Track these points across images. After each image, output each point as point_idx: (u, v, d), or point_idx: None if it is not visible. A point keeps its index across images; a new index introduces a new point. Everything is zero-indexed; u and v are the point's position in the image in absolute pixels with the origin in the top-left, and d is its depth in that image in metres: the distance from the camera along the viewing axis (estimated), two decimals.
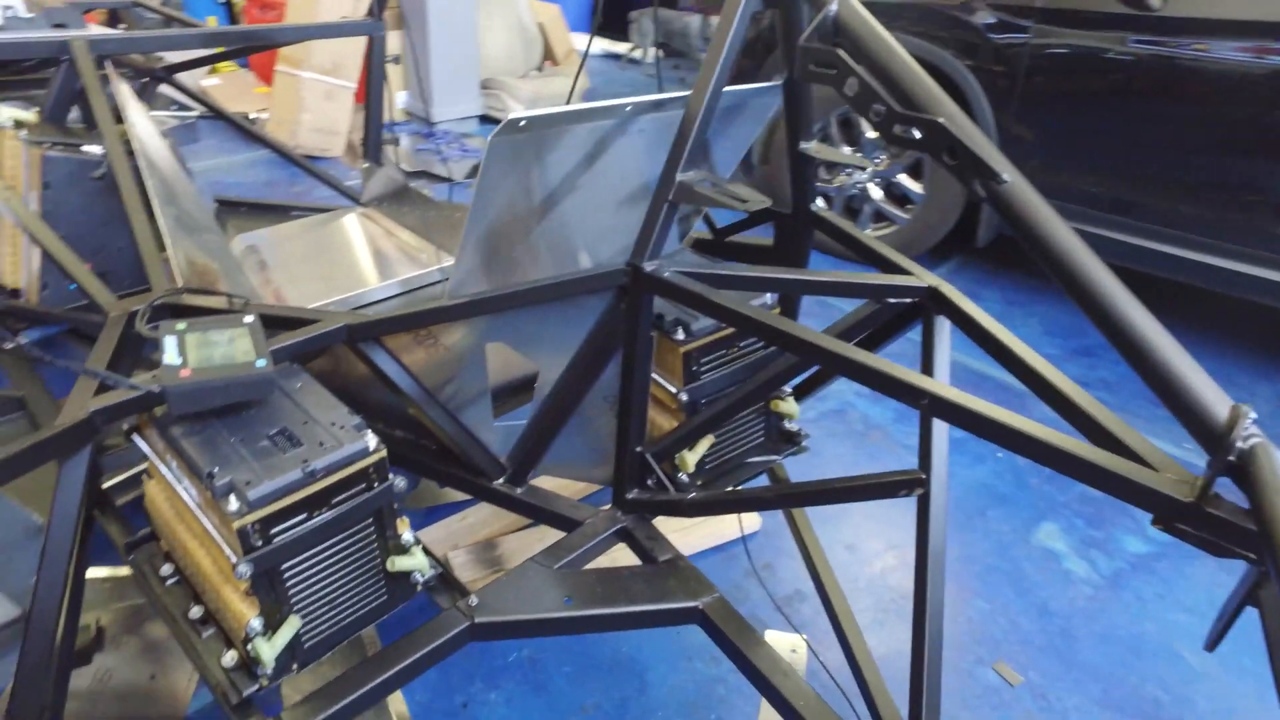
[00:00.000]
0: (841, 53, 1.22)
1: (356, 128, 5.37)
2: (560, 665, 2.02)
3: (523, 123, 1.27)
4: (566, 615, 1.41)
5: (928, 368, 1.35)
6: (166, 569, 1.55)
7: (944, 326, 1.38)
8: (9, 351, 2.22)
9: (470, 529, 2.27)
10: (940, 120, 1.11)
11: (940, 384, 1.11)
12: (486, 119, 6.32)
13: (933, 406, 1.08)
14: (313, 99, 5.27)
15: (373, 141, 2.99)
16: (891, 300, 1.41)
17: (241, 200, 3.16)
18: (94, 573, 2.23)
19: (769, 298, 1.65)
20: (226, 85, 6.21)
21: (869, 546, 2.38)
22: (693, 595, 1.45)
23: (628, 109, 1.43)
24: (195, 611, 1.45)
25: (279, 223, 2.94)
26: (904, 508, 2.51)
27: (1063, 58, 3.19)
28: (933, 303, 1.38)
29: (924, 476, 1.28)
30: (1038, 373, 1.18)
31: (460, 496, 2.43)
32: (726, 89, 1.49)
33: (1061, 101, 3.23)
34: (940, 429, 1.28)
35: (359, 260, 2.62)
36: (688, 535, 2.27)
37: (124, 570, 2.21)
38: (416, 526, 2.21)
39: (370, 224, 2.85)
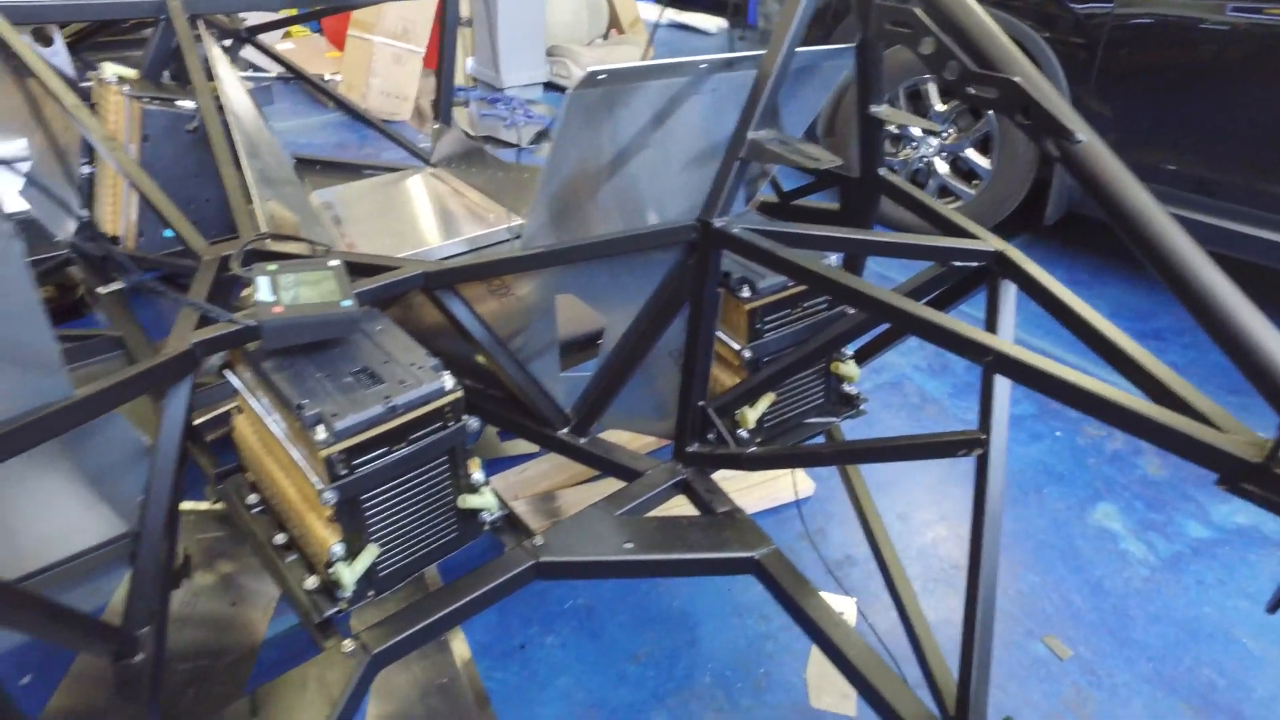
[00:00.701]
0: (918, 10, 1.23)
1: (424, 93, 5.47)
2: (614, 615, 2.09)
3: (602, 76, 1.31)
4: (627, 559, 1.46)
5: (991, 331, 1.35)
6: (252, 499, 1.65)
7: (1009, 291, 1.38)
8: (109, 295, 2.36)
9: (529, 482, 2.35)
10: (1016, 79, 1.11)
11: (1005, 342, 1.12)
12: (551, 86, 6.36)
13: (998, 363, 1.10)
14: (382, 63, 5.38)
15: (445, 103, 3.06)
16: (957, 263, 1.42)
17: (316, 158, 3.27)
18: (182, 506, 2.38)
19: (833, 259, 1.67)
20: (299, 49, 6.36)
21: (921, 516, 2.39)
22: (749, 546, 1.50)
23: (702, 66, 1.46)
24: (279, 538, 1.55)
25: (352, 180, 3.03)
26: (957, 480, 2.51)
27: (1148, 28, 3.08)
28: (999, 267, 1.38)
29: (984, 437, 1.30)
30: (1106, 338, 1.18)
31: (519, 450, 2.51)
32: (799, 50, 1.51)
33: (1144, 75, 3.13)
34: (1002, 390, 1.29)
35: (428, 218, 2.70)
36: (743, 497, 2.31)
37: (204, 505, 2.35)
38: None
39: (439, 184, 2.93)
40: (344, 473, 1.30)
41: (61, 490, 1.44)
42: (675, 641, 2.02)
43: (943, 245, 1.40)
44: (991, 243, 1.39)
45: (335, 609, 1.42)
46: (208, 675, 1.96)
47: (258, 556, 1.63)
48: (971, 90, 1.16)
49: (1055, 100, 1.10)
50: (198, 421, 2.00)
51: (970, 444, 1.30)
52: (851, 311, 1.66)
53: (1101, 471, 2.61)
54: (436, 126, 3.12)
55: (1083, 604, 2.14)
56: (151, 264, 2.27)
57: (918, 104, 3.91)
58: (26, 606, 1.12)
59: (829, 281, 1.29)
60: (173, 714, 1.68)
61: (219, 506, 2.35)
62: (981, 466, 1.31)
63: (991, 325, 1.37)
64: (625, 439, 2.31)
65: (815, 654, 1.98)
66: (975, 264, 1.40)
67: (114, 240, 2.29)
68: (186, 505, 2.38)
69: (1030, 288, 1.33)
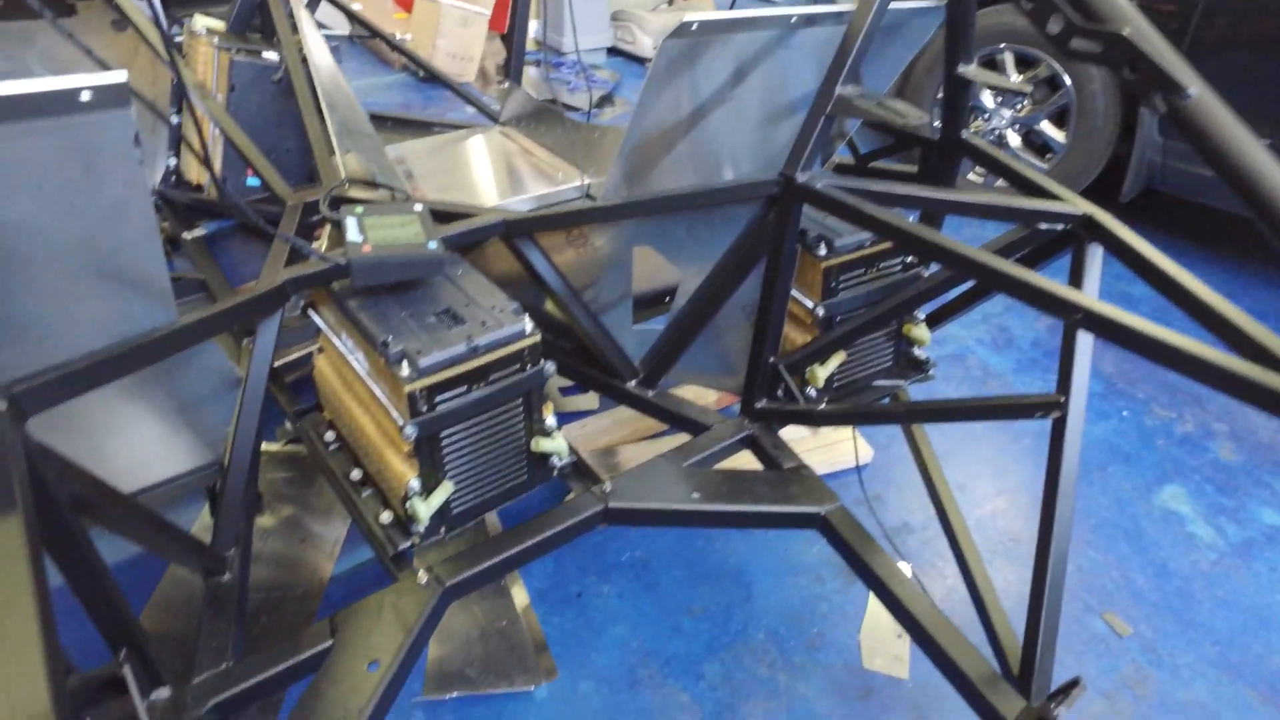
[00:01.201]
0: None
1: (489, 55, 5.49)
2: (670, 569, 2.12)
3: (694, 26, 1.31)
4: (694, 508, 1.49)
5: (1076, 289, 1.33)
6: (329, 436, 1.71)
7: (1096, 255, 1.36)
8: (193, 240, 2.44)
9: (590, 436, 2.38)
10: (1124, 31, 1.08)
11: (1094, 299, 1.11)
12: (615, 51, 6.33)
13: (1086, 320, 1.08)
14: (449, 25, 5.41)
15: (515, 62, 3.08)
16: (1043, 225, 1.39)
17: (386, 114, 3.32)
18: None
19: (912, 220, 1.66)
20: (367, 9, 6.41)
21: (981, 488, 2.37)
22: (816, 502, 1.51)
23: (791, 20, 1.45)
24: (355, 474, 1.61)
25: (422, 136, 3.08)
26: (1019, 454, 2.48)
27: None
28: (1086, 230, 1.35)
29: (1061, 399, 1.29)
30: (1201, 300, 1.15)
31: (579, 406, 2.55)
32: (891, 6, 1.48)
33: (1240, 46, 3.00)
34: (1084, 352, 1.27)
35: (498, 174, 2.73)
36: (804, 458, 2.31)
37: (275, 446, 2.44)
38: None
39: (508, 142, 2.95)
40: (425, 409, 1.34)
41: (159, 416, 1.51)
42: (730, 597, 2.04)
43: (1030, 207, 1.38)
44: (1080, 205, 1.36)
45: (409, 542, 1.47)
46: (279, 606, 2.05)
47: (334, 491, 1.69)
48: (1075, 45, 1.13)
49: (1166, 53, 1.07)
50: (278, 364, 2.07)
51: (1047, 406, 1.29)
52: (927, 273, 1.64)
53: (1170, 453, 2.55)
54: (505, 85, 3.14)
55: (1145, 584, 2.10)
56: (237, 211, 2.35)
57: (993, 73, 3.80)
58: (138, 517, 1.19)
59: (914, 237, 1.28)
60: (253, 633, 1.76)
61: (288, 448, 2.45)
62: (1058, 430, 1.30)
63: (1077, 287, 1.34)
64: (692, 396, 2.33)
65: (870, 617, 1.99)
66: (1062, 226, 1.38)
67: (198, 188, 2.36)
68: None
69: (1120, 251, 1.30)
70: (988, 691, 1.21)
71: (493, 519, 2.15)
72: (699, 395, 2.33)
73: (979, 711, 1.24)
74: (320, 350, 1.69)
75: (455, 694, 1.82)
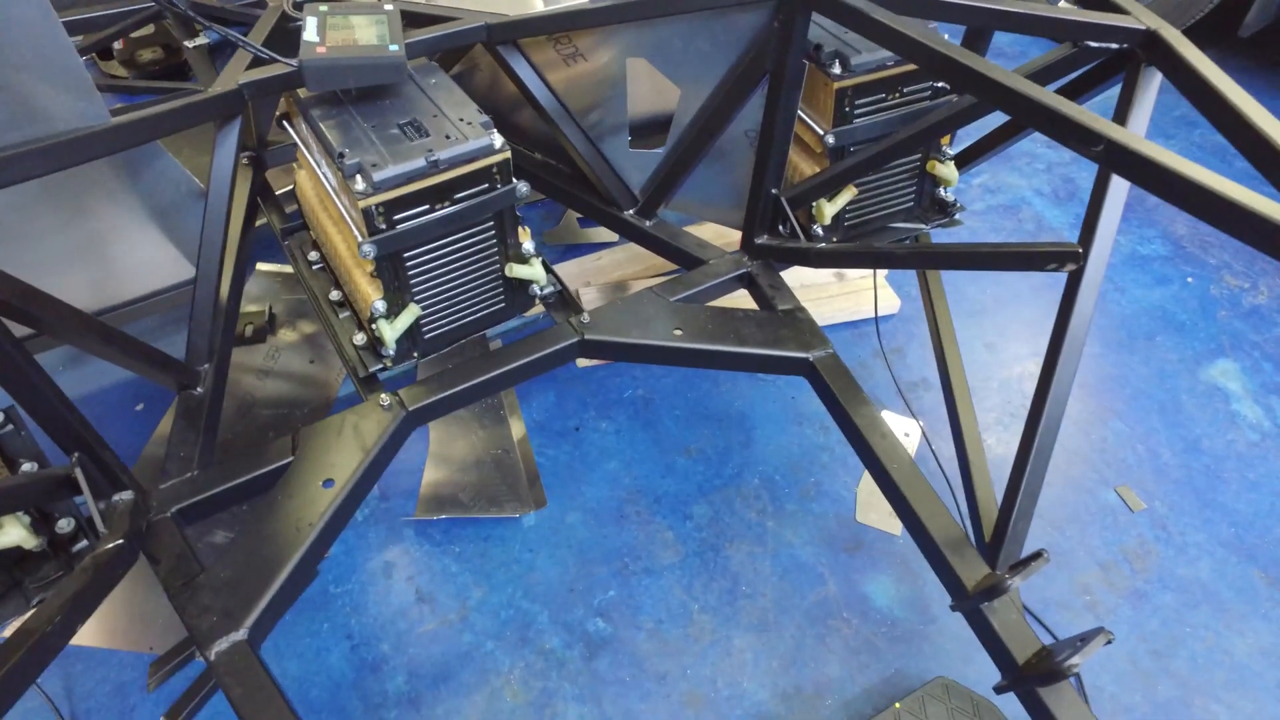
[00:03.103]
0: None
1: None
2: (671, 408, 2.08)
3: None
4: (673, 345, 1.41)
5: (1120, 123, 1.14)
6: (313, 255, 1.66)
7: (1151, 82, 1.15)
8: (196, 49, 2.34)
9: (602, 269, 2.30)
10: None
11: (1125, 130, 0.93)
12: None
13: (1108, 153, 0.91)
14: None
15: None
16: (1093, 43, 1.18)
17: None
18: (265, 267, 2.47)
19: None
20: None
21: (1011, 349, 2.23)
22: (805, 347, 1.41)
23: None
24: (334, 295, 1.57)
25: None
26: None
27: None
28: (1145, 50, 1.14)
29: (1079, 251, 1.13)
30: (1276, 149, 0.95)
31: (599, 238, 2.45)
32: None
33: None
34: (1115, 197, 1.10)
35: None
36: (822, 307, 2.20)
37: (288, 267, 2.42)
38: (553, 261, 2.26)
39: None
40: (383, 226, 1.27)
41: (133, 229, 1.47)
42: (729, 441, 2.01)
43: (1081, 20, 1.16)
44: (1144, 18, 1.14)
45: (379, 365, 1.44)
46: (287, 421, 2.10)
47: (314, 311, 1.66)
48: None
49: None
50: (279, 191, 1.99)
51: (1063, 257, 1.14)
52: (956, 99, 1.44)
53: (1231, 326, 2.34)
54: None
55: (1171, 459, 1.98)
56: (230, 17, 2.21)
57: None
58: (93, 330, 1.17)
59: (935, 52, 1.09)
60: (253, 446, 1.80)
61: None
62: (1073, 284, 1.15)
63: (1121, 119, 1.15)
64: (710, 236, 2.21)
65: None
66: (1116, 45, 1.16)
67: None
68: (271, 267, 2.47)
69: (1183, 77, 1.09)
70: (951, 555, 1.15)
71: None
72: (719, 235, 2.20)
73: (941, 577, 1.20)
74: (299, 165, 1.61)
75: (446, 516, 1.87)
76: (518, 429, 2.04)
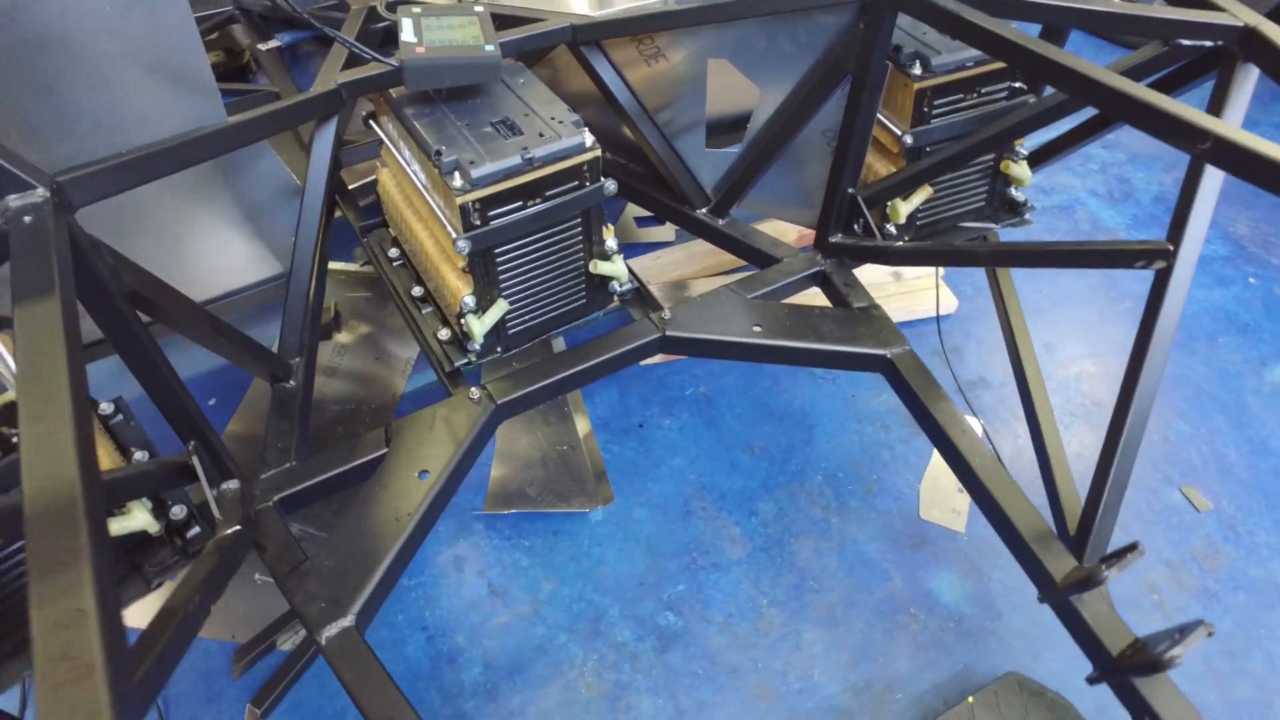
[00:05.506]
0: None
1: None
2: (733, 406, 2.10)
3: None
4: (753, 342, 1.43)
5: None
6: (394, 252, 1.70)
7: (1248, 78, 1.16)
8: (268, 52, 2.39)
9: (662, 268, 2.33)
10: None
11: (1236, 128, 0.94)
12: None
13: (1215, 150, 0.93)
14: None
15: None
16: (1187, 41, 1.19)
17: None
18: (331, 265, 2.52)
19: None
20: None
21: (1068, 349, 2.23)
22: (883, 344, 1.43)
23: None
24: (417, 291, 1.61)
25: None
26: (1117, 317, 2.31)
27: None
28: (1242, 47, 1.15)
29: (1170, 249, 1.14)
30: None
31: (654, 238, 2.48)
32: None
33: None
34: (1208, 193, 1.11)
35: None
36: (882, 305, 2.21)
37: (353, 266, 2.47)
38: None
39: None
40: (478, 223, 1.30)
41: (224, 226, 1.52)
42: (791, 439, 2.03)
43: (1176, 17, 1.17)
44: (1242, 14, 1.15)
45: (465, 360, 1.48)
46: (353, 417, 2.15)
47: (396, 307, 1.70)
48: None
49: None
50: (352, 186, 2.04)
51: (1152, 255, 1.15)
52: (1033, 100, 1.45)
53: None
54: None
55: (1237, 460, 1.97)
56: (304, 22, 2.27)
57: None
58: (203, 320, 1.21)
59: (1023, 49, 1.11)
60: (330, 443, 1.85)
61: (366, 268, 2.48)
62: (1160, 282, 1.16)
63: (1215, 115, 1.15)
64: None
65: (932, 468, 1.95)
66: (1211, 42, 1.17)
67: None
68: (336, 265, 2.52)
69: None
70: (1038, 548, 1.16)
71: (560, 344, 2.15)
72: (780, 234, 2.22)
73: (1027, 569, 1.20)
74: (383, 164, 1.65)
75: (514, 510, 1.90)
76: (583, 425, 2.07)
